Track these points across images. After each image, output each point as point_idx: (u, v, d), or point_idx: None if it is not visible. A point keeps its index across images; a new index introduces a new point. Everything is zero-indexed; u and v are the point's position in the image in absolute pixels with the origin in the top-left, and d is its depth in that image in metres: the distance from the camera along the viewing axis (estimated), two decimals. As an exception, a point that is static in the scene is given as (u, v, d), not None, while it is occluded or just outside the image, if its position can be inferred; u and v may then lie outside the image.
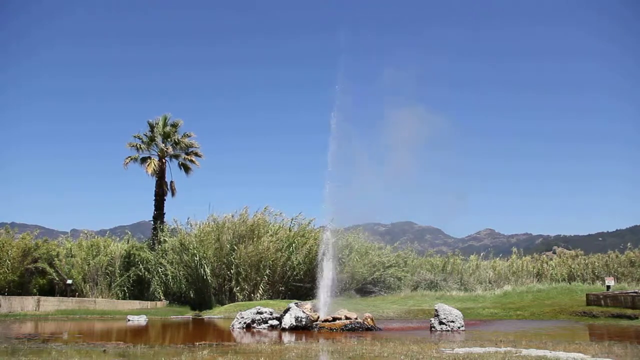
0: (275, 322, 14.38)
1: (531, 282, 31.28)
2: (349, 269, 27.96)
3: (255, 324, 14.46)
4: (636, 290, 18.75)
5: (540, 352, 7.68)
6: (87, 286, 27.55)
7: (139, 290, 28.19)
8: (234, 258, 26.13)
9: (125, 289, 27.86)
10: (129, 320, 18.04)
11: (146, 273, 27.83)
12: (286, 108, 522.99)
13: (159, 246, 28.67)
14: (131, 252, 28.74)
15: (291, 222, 30.41)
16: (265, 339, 11.52)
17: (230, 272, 26.13)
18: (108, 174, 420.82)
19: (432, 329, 13.71)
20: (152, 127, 31.89)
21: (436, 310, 14.06)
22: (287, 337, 11.79)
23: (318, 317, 14.40)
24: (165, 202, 31.64)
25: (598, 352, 8.01)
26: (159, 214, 31.35)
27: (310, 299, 20.98)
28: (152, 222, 31.51)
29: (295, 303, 15.18)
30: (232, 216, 28.51)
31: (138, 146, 31.61)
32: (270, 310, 15.06)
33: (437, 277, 31.01)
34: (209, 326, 16.90)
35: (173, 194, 32.16)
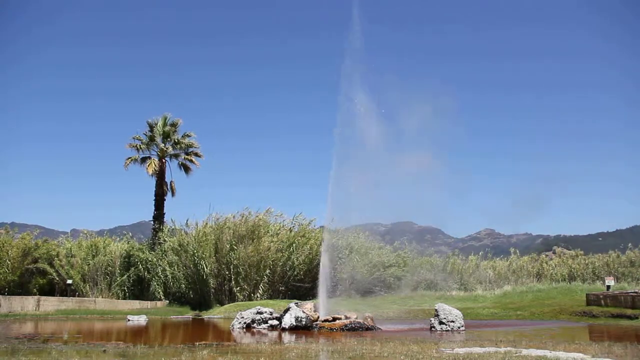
0: (275, 322, 14.38)
1: (531, 282, 31.30)
2: (349, 269, 27.93)
3: (255, 324, 14.46)
4: (636, 290, 18.74)
5: (540, 352, 7.67)
6: (87, 286, 27.56)
7: (139, 290, 28.19)
8: (234, 258, 26.12)
9: (125, 288, 27.86)
10: (129, 320, 18.03)
11: (146, 273, 27.82)
12: (287, 108, 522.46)
13: (159, 246, 28.66)
14: (131, 252, 28.73)
15: (292, 222, 30.43)
16: (265, 339, 11.52)
17: (230, 272, 26.12)
18: (108, 174, 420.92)
19: (432, 328, 13.71)
20: (151, 127, 31.88)
21: (436, 310, 14.06)
22: (287, 337, 11.78)
23: (318, 317, 14.40)
24: (165, 202, 31.65)
25: (598, 352, 8.00)
26: (159, 214, 31.34)
27: (310, 299, 20.97)
28: (152, 222, 31.50)
29: (295, 303, 15.17)
30: (234, 217, 28.50)
31: (138, 147, 31.60)
32: (270, 310, 15.06)
33: (437, 277, 31.02)
34: (209, 326, 16.90)
35: (173, 194, 32.17)
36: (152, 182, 31.55)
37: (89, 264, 27.79)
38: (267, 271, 26.25)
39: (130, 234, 33.19)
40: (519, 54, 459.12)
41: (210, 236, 26.97)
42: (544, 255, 42.12)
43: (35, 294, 25.98)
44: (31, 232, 30.59)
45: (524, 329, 13.88)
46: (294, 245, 27.49)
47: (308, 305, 15.08)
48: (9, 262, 27.01)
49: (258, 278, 26.11)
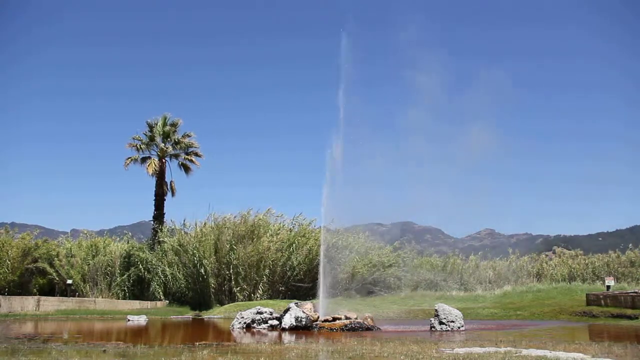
0: (275, 322, 14.38)
1: (531, 282, 31.32)
2: (349, 269, 27.94)
3: (255, 324, 14.46)
4: (636, 290, 18.76)
5: (540, 352, 7.67)
6: (87, 286, 27.56)
7: (139, 290, 28.18)
8: (233, 258, 26.13)
9: (125, 289, 27.85)
10: (129, 320, 18.04)
11: (146, 273, 27.82)
12: (287, 108, 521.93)
13: (159, 246, 28.66)
14: (131, 252, 28.73)
15: (292, 223, 30.43)
16: (265, 339, 11.52)
17: (230, 272, 26.14)
18: (108, 174, 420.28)
19: (432, 329, 13.71)
20: (151, 127, 31.90)
21: (436, 310, 14.06)
22: (287, 337, 11.79)
23: (318, 317, 14.40)
24: (165, 202, 31.68)
25: (598, 352, 8.00)
26: (159, 214, 31.36)
27: (310, 299, 20.98)
28: (152, 222, 31.52)
29: (295, 303, 15.18)
30: (234, 217, 28.51)
31: (138, 146, 31.62)
32: (270, 310, 15.07)
33: (437, 277, 31.04)
34: (209, 326, 16.90)
35: (173, 194, 32.19)
36: (152, 182, 31.60)
37: (89, 264, 27.79)
38: (267, 271, 26.26)
39: (130, 234, 33.17)
40: (519, 54, 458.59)
41: (210, 236, 26.97)
42: (544, 255, 42.04)
43: (35, 294, 25.99)
44: (31, 232, 30.60)
45: (524, 329, 13.88)
46: (293, 245, 27.50)
47: (308, 305, 15.08)
48: (9, 262, 27.02)
49: (258, 278, 26.12)
